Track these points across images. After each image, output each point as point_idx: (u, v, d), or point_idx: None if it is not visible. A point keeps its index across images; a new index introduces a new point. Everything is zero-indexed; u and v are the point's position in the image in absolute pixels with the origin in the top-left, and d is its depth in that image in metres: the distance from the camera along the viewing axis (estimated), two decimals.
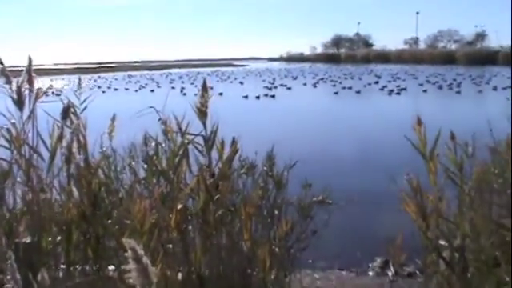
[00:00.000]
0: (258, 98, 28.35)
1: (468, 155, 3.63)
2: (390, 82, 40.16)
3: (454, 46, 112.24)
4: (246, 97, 28.66)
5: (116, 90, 39.93)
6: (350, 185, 8.60)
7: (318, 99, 29.91)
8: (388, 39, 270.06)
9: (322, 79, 45.54)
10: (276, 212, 3.69)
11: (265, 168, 3.75)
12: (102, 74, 73.46)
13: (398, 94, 30.24)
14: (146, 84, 45.24)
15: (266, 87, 35.70)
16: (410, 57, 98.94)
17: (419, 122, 3.06)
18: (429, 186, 3.06)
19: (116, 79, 58.36)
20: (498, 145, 3.76)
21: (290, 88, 35.88)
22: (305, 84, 39.88)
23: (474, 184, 3.31)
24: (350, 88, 34.23)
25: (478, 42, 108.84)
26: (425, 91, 31.42)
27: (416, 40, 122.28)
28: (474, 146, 3.73)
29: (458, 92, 30.36)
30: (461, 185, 3.27)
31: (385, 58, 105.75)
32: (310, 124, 18.08)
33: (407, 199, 2.91)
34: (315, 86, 37.94)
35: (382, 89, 32.77)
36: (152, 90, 37.30)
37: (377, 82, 39.40)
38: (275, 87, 36.30)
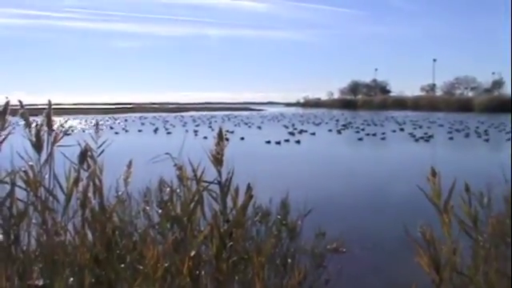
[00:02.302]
0: (278, 143, 27.76)
1: (483, 206, 3.61)
2: (415, 128, 40.09)
3: (471, 93, 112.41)
4: (269, 142, 28.02)
5: (127, 131, 40.02)
6: (366, 233, 8.53)
7: (343, 145, 29.71)
8: (405, 85, 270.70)
9: (344, 125, 45.40)
10: (289, 260, 3.67)
11: (279, 217, 3.75)
12: (116, 115, 74.23)
13: (427, 141, 29.67)
14: (165, 127, 45.47)
15: (291, 133, 35.38)
16: (426, 103, 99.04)
17: (433, 173, 3.05)
18: (444, 237, 3.03)
19: (126, 120, 58.70)
20: None
21: (314, 133, 35.65)
22: (330, 130, 39.60)
23: (489, 236, 3.29)
24: (374, 135, 33.90)
25: (495, 89, 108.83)
26: (451, 139, 31.07)
27: (433, 87, 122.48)
28: (489, 197, 3.72)
29: (487, 140, 29.77)
30: (476, 237, 3.25)
31: (401, 104, 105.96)
32: (333, 170, 17.87)
33: (420, 251, 2.88)
34: (339, 133, 37.70)
35: (413, 136, 32.12)
36: (169, 133, 37.48)
37: (402, 129, 39.18)
38: (299, 132, 36.13)
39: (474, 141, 29.93)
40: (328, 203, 10.70)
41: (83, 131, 30.23)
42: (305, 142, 29.24)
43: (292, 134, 34.82)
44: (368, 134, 34.29)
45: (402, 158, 22.02)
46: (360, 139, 31.35)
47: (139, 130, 40.74)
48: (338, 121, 54.51)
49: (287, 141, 29.01)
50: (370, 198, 12.51)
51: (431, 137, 31.27)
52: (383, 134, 34.12)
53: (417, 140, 29.81)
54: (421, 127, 41.97)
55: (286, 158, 21.98)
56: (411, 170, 15.70)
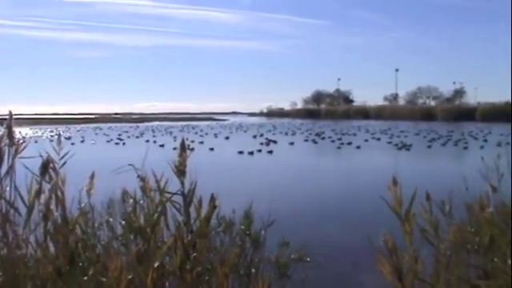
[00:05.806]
0: (251, 153, 27.49)
1: (445, 214, 3.66)
2: (390, 137, 40.57)
3: (433, 103, 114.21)
4: (241, 152, 27.67)
5: (82, 142, 39.34)
6: (330, 242, 8.57)
7: (323, 155, 29.77)
8: (368, 95, 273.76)
9: (317, 135, 45.56)
10: (253, 270, 3.68)
11: (242, 227, 3.75)
12: (75, 126, 73.67)
13: (408, 149, 29.66)
14: (128, 136, 45.19)
15: (266, 143, 35.18)
16: (389, 113, 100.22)
17: (395, 182, 3.08)
18: (407, 245, 3.06)
19: (78, 131, 58.01)
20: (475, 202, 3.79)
21: (292, 143, 35.64)
22: (306, 140, 39.66)
23: (450, 244, 3.33)
24: (349, 144, 33.92)
25: (457, 98, 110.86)
26: (429, 147, 31.29)
27: (396, 96, 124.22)
28: (450, 205, 3.77)
29: (465, 148, 30.08)
30: (437, 245, 3.29)
31: (364, 113, 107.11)
32: (309, 180, 17.82)
33: (383, 260, 2.91)
34: (315, 142, 37.63)
35: (395, 144, 32.25)
36: (124, 143, 37.32)
37: (378, 139, 39.50)
38: (274, 142, 36.05)
39: (453, 149, 30.32)
40: (295, 213, 10.75)
41: (35, 142, 29.89)
42: (283, 152, 29.25)
43: (267, 144, 34.74)
44: (343, 143, 34.36)
45: (383, 167, 21.66)
46: (338, 148, 31.51)
47: (92, 141, 40.31)
48: (308, 130, 54.74)
49: (260, 151, 28.85)
50: (336, 207, 12.57)
51: (410, 145, 31.23)
52: (346, 144, 34.27)
53: (399, 148, 29.97)
54: (398, 136, 42.22)
55: (260, 168, 21.91)
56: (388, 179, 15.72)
